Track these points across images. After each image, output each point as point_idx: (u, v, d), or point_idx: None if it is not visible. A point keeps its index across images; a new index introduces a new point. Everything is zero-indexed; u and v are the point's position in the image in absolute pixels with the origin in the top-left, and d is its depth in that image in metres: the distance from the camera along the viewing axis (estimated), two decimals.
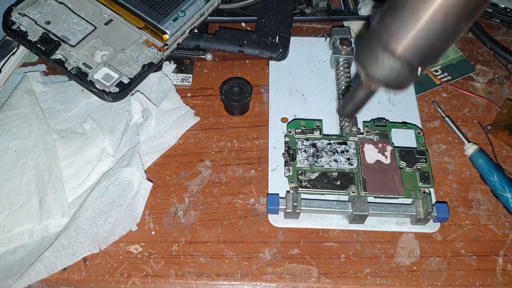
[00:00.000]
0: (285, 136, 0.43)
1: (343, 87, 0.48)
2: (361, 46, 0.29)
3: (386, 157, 0.42)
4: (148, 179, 0.43)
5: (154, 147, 0.46)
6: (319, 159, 0.42)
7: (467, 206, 0.44)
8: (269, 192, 0.43)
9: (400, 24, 0.26)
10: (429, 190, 0.41)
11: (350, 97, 0.32)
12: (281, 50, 0.51)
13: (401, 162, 0.42)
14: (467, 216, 0.43)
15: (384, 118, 0.46)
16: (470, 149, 0.46)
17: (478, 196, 0.44)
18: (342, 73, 0.49)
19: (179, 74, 0.51)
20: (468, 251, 0.41)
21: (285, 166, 0.41)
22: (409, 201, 0.42)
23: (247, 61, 0.53)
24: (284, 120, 0.48)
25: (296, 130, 0.43)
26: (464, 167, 0.46)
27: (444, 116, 0.48)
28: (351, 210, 0.40)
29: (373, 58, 0.28)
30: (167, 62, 0.51)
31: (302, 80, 0.51)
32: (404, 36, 0.26)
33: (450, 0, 0.23)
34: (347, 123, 0.45)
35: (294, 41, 0.53)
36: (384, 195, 0.40)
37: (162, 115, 0.46)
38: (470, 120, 0.49)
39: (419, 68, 0.28)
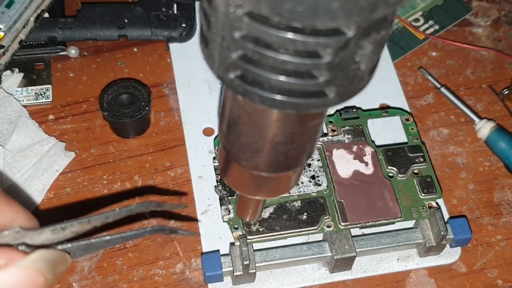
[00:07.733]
0: (214, 158, 0.43)
1: None
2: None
3: (366, 164, 0.43)
4: None
5: None
6: None
7: (495, 214, 0.45)
8: (204, 250, 0.43)
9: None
10: (436, 203, 0.42)
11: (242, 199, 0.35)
12: (184, 24, 0.51)
13: (390, 168, 0.43)
14: (497, 229, 0.45)
15: (353, 107, 0.46)
16: (485, 128, 0.47)
17: (508, 195, 0.46)
18: None
19: (30, 88, 0.50)
20: (508, 279, 0.43)
21: (221, 205, 0.41)
22: (410, 223, 0.43)
23: (135, 49, 0.52)
24: (208, 132, 0.47)
25: None
26: (480, 156, 0.48)
27: (438, 86, 0.50)
28: (329, 254, 0.40)
29: None
30: (8, 72, 0.49)
31: None
32: None
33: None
34: None
35: None
36: (373, 223, 0.41)
37: (14, 159, 0.45)
38: (476, 85, 0.51)
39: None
